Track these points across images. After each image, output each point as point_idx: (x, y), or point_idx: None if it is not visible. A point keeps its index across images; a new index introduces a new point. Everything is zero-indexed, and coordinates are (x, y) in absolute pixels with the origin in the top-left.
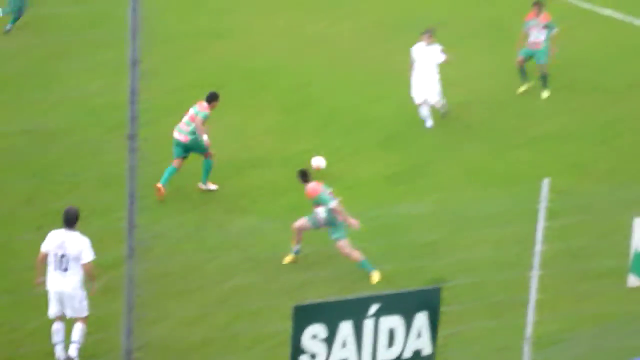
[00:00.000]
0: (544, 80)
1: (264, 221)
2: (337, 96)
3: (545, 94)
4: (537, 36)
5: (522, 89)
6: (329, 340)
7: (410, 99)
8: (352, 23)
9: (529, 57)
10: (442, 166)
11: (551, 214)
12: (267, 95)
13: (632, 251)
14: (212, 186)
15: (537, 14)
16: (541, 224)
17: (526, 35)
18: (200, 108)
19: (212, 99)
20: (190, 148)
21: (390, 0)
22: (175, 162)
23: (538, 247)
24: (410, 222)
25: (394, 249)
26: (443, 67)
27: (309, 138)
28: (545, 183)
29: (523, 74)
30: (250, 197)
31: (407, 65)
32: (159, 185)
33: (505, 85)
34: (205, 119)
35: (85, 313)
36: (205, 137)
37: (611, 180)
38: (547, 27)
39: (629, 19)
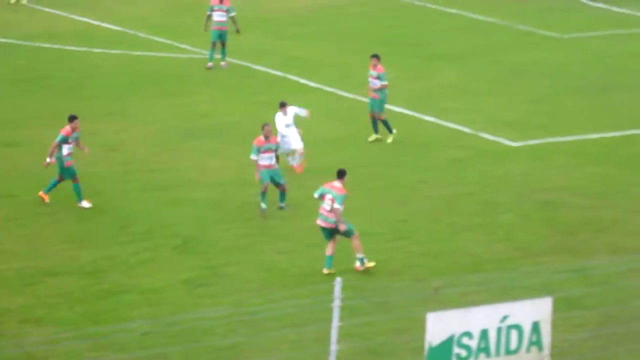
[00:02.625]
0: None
1: (60, 331)
2: (132, 202)
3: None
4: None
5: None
6: None
7: (206, 201)
8: (144, 129)
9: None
10: (239, 268)
11: (350, 312)
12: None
13: (427, 346)
14: None
15: (374, 66)
16: (335, 323)
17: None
18: None
19: None
20: None
21: (179, 109)
22: None
23: (333, 347)
24: (209, 326)
25: (194, 354)
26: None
27: (105, 245)
28: (338, 281)
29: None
30: (45, 306)
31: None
32: None
33: (301, 186)
34: None
35: None
36: None
37: (405, 276)
38: (378, 77)
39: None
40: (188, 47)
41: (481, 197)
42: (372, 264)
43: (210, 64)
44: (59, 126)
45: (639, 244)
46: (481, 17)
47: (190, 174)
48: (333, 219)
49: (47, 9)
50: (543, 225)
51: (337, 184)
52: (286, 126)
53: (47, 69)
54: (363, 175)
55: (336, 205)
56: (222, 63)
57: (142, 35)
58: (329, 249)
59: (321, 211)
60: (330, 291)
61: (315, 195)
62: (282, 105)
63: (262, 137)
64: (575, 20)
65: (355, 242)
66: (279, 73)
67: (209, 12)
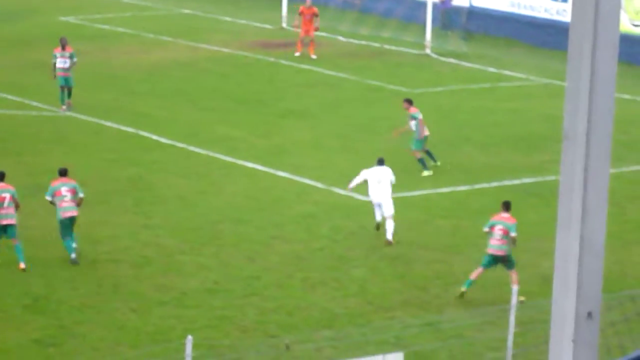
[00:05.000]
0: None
1: None
2: None
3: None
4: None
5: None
6: None
7: (54, 260)
8: None
9: None
10: (91, 326)
11: None
12: None
13: None
14: None
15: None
16: None
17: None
18: None
19: None
20: None
21: (27, 167)
22: None
23: None
24: None
25: None
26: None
27: None
28: (189, 340)
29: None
30: None
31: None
32: None
33: (150, 243)
34: None
35: None
36: None
37: (258, 332)
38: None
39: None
40: (39, 105)
41: (334, 252)
42: (522, 298)
43: (63, 107)
44: None
45: (490, 297)
46: (332, 73)
47: (38, 232)
48: (505, 246)
49: None
50: (395, 279)
51: (505, 214)
52: None
53: None
54: (215, 232)
55: (513, 234)
56: (63, 107)
57: None
58: (475, 274)
59: (492, 242)
60: (183, 349)
61: (485, 228)
62: None
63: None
64: (425, 75)
65: (514, 275)
66: (130, 129)
67: (53, 60)
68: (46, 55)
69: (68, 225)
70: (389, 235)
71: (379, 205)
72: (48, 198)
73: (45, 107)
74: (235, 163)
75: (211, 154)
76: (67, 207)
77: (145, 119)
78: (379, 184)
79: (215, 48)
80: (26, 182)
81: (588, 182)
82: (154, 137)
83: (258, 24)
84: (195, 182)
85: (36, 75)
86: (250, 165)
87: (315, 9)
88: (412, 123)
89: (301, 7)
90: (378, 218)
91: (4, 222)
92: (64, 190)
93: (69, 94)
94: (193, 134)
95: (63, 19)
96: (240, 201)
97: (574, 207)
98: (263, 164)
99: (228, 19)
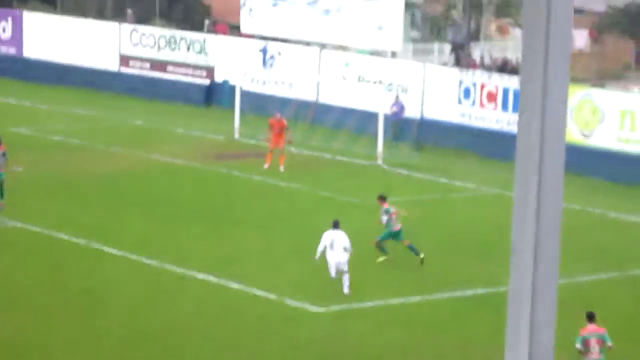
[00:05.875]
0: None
1: None
2: None
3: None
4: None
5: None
6: None
7: None
8: None
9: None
10: None
11: None
12: None
13: None
14: None
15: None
16: None
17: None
18: None
19: None
20: None
21: None
22: None
23: None
24: None
25: None
26: None
27: None
28: None
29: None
30: None
31: None
32: None
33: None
34: None
35: None
36: None
37: None
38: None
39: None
40: None
41: None
42: None
43: None
44: None
45: None
46: (284, 183)
47: None
48: (604, 358)
49: None
50: None
51: (593, 326)
52: None
53: None
54: (165, 345)
55: (609, 344)
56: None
57: None
58: None
59: (592, 357)
60: None
61: (578, 345)
62: None
63: None
64: (376, 186)
65: None
66: (81, 241)
67: None
68: None
69: None
70: (346, 289)
71: (336, 264)
72: None
73: None
74: (187, 273)
75: (162, 264)
76: None
77: (96, 230)
78: (334, 246)
79: (168, 159)
80: None
81: (536, 295)
82: (106, 248)
83: (211, 135)
84: (146, 293)
85: None
86: (201, 276)
87: (285, 122)
88: (384, 218)
89: (270, 120)
90: (333, 274)
91: None
92: None
93: (2, 194)
94: (145, 244)
95: (14, 129)
96: (191, 312)
97: (522, 320)
98: (215, 274)
99: (181, 130)
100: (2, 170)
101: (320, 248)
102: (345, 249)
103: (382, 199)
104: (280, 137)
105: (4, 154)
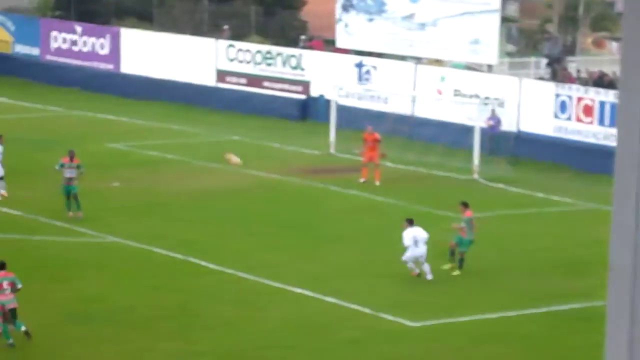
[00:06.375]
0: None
1: None
2: None
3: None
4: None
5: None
6: None
7: None
8: (36, 314)
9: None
10: None
11: None
12: None
13: None
14: None
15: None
16: None
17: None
18: None
19: None
20: None
21: (71, 293)
22: None
23: None
24: None
25: None
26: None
27: None
28: None
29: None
30: None
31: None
32: None
33: None
34: None
35: None
36: None
37: None
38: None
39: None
40: (86, 231)
41: None
42: None
43: (70, 213)
44: None
45: None
46: (380, 198)
47: None
48: None
49: None
50: None
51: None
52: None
53: None
54: (261, 358)
55: None
56: (79, 213)
57: (42, 219)
58: None
59: None
60: None
61: None
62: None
63: None
64: (472, 200)
65: None
66: (178, 255)
67: (58, 168)
68: (95, 184)
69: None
70: (429, 276)
71: (418, 258)
72: None
73: (92, 232)
74: (282, 288)
75: (258, 279)
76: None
77: (193, 245)
78: (418, 243)
79: (264, 174)
80: (76, 309)
81: (635, 311)
82: (203, 263)
83: (307, 150)
84: (242, 307)
85: (83, 203)
86: (297, 290)
87: (377, 135)
88: (463, 225)
89: (364, 134)
90: (417, 270)
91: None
92: (5, 283)
93: (78, 205)
94: (241, 259)
95: (112, 145)
96: (287, 327)
97: (621, 338)
98: (310, 289)
99: (277, 145)
100: (74, 183)
101: (409, 254)
102: (425, 243)
103: (465, 205)
104: (374, 151)
105: (78, 167)
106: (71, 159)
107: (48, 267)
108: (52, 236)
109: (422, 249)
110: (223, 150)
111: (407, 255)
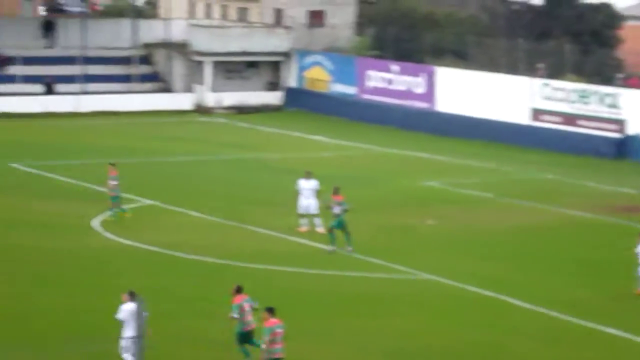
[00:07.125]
0: None
1: None
2: None
3: None
4: None
5: None
6: None
7: None
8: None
9: None
10: None
11: None
12: None
13: None
14: None
15: None
16: None
17: None
18: None
19: None
20: None
21: (385, 329)
22: None
23: None
24: None
25: None
26: None
27: None
28: None
29: None
30: None
31: None
32: None
33: None
34: None
35: None
36: None
37: None
38: None
39: None
40: (399, 267)
41: None
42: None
43: (332, 248)
44: None
45: None
46: None
47: None
48: None
49: (260, 229)
50: None
51: None
52: None
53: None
54: None
55: None
56: (349, 248)
57: (358, 256)
58: None
59: None
60: None
61: None
62: None
63: None
64: None
65: None
66: (489, 293)
67: (328, 204)
68: (409, 220)
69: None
70: None
71: None
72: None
73: (404, 269)
74: (594, 328)
75: (569, 318)
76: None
77: (503, 282)
78: None
79: (577, 213)
80: (393, 345)
81: None
82: (511, 300)
83: (622, 189)
84: (562, 351)
85: (398, 238)
86: (610, 330)
87: None
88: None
89: None
90: None
91: None
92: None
93: (348, 238)
94: (549, 297)
95: (427, 183)
96: None
97: None
98: (622, 329)
99: (592, 184)
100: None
101: None
102: None
103: None
104: None
105: (339, 203)
106: (335, 194)
107: (364, 302)
108: (365, 272)
109: None
110: (537, 188)
111: None
